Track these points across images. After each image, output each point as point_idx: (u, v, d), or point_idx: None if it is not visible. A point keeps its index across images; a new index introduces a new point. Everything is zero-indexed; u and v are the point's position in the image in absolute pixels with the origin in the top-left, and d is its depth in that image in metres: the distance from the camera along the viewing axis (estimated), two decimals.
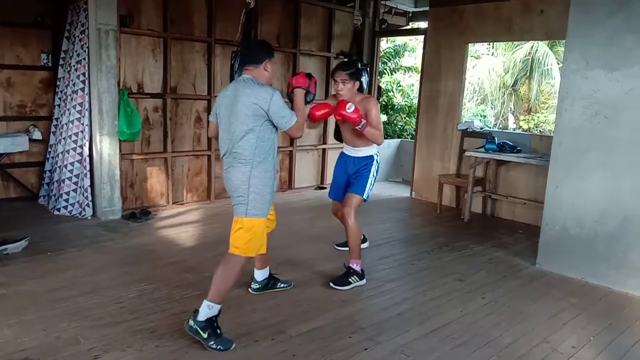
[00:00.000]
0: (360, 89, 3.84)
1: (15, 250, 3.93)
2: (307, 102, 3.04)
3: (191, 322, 2.73)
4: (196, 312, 2.74)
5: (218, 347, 2.69)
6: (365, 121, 3.47)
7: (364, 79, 5.74)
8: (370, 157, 3.81)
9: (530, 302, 3.59)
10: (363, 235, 3.79)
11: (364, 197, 3.72)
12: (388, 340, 2.91)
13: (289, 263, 4.05)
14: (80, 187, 5.06)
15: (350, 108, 3.38)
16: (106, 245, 4.34)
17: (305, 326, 3.02)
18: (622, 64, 3.74)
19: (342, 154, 3.97)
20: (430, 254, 4.55)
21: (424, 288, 3.74)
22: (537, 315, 3.37)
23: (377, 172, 3.82)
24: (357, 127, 3.49)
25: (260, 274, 3.46)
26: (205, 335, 2.69)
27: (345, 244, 4.19)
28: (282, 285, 3.54)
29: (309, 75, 3.05)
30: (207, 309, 2.72)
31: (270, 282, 3.50)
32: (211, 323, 2.72)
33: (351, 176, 3.82)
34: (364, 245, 4.11)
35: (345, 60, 3.88)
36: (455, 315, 3.29)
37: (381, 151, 8.00)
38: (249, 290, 3.45)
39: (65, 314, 3.03)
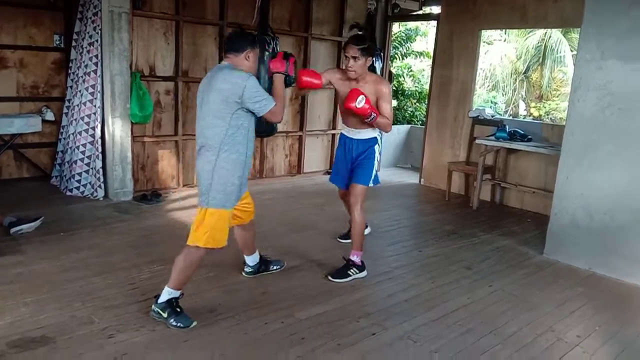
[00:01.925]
0: (372, 68, 3.64)
1: (29, 230, 4.01)
2: (287, 86, 3.00)
3: (153, 306, 2.81)
4: (157, 297, 2.83)
5: (178, 324, 2.76)
6: (375, 114, 3.32)
7: (378, 64, 5.73)
8: (373, 140, 3.64)
9: (537, 291, 3.62)
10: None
11: (370, 184, 3.63)
12: (395, 326, 2.95)
13: (298, 248, 4.10)
14: (92, 169, 5.12)
15: (360, 102, 3.23)
16: (118, 226, 4.40)
17: (314, 310, 3.08)
18: (638, 56, 3.70)
19: (342, 136, 3.77)
20: (438, 241, 4.58)
21: (432, 275, 3.77)
22: (543, 304, 3.40)
23: (380, 154, 3.69)
24: (366, 120, 3.36)
25: (251, 259, 3.47)
26: (165, 315, 2.77)
27: (346, 236, 4.18)
28: (274, 267, 3.57)
29: (286, 57, 2.96)
30: (167, 295, 2.80)
31: (262, 265, 3.52)
32: (170, 303, 2.79)
33: (354, 161, 3.66)
34: (366, 231, 3.92)
35: (359, 33, 3.57)
36: (462, 303, 3.33)
37: (390, 137, 8.08)
38: (243, 273, 3.48)
39: (80, 294, 3.10)
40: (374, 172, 3.65)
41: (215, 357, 2.55)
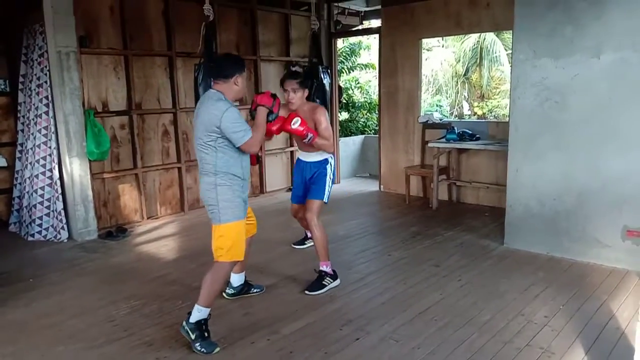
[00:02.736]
0: (309, 97, 3.88)
1: None
2: (269, 121, 3.10)
3: (184, 324, 2.88)
4: (189, 314, 2.89)
5: (202, 349, 2.83)
6: (312, 134, 3.51)
7: (326, 80, 5.91)
8: (325, 161, 3.85)
9: (503, 279, 3.85)
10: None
11: (323, 200, 3.78)
12: (377, 329, 3.08)
13: (270, 266, 4.18)
14: (53, 211, 5.03)
15: (295, 123, 3.41)
16: (87, 266, 4.35)
17: (297, 324, 3.17)
18: (565, 52, 4.04)
19: (298, 160, 4.02)
20: (404, 243, 4.76)
21: (403, 277, 3.93)
22: (510, 291, 3.62)
23: (333, 173, 3.89)
24: (304, 141, 3.57)
25: (237, 279, 3.55)
26: (193, 337, 2.85)
27: (301, 242, 4.62)
28: (255, 290, 3.64)
29: (273, 96, 3.09)
30: (197, 312, 2.86)
31: (245, 287, 3.60)
32: (200, 326, 2.86)
33: (308, 181, 3.88)
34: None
35: (294, 69, 4.03)
36: (435, 299, 3.50)
37: (346, 148, 8.27)
38: (224, 295, 3.51)
39: (60, 338, 3.07)
40: (328, 188, 3.81)
41: None
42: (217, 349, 2.86)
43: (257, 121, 3.02)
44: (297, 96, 3.67)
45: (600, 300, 3.44)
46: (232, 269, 3.11)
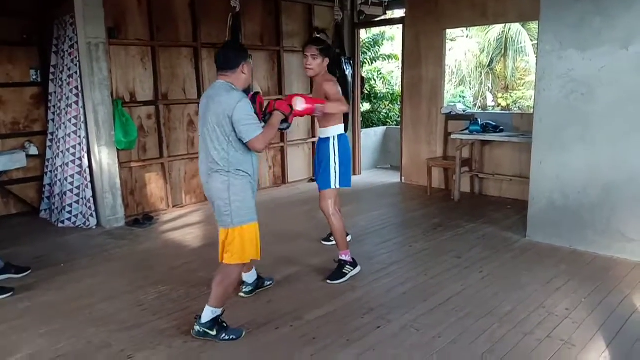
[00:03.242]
0: (335, 68, 3.75)
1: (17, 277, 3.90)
2: (280, 129, 3.06)
3: (197, 327, 2.87)
4: (199, 317, 2.89)
5: (230, 337, 2.87)
6: (320, 105, 3.40)
7: (349, 71, 5.93)
8: (327, 140, 3.72)
9: (525, 272, 3.85)
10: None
11: (332, 187, 3.70)
12: (398, 318, 3.13)
13: (293, 256, 4.26)
14: (82, 198, 5.19)
15: (297, 104, 3.22)
16: (116, 252, 4.49)
17: (320, 311, 3.24)
18: (592, 44, 3.98)
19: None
20: (426, 235, 4.78)
21: (425, 267, 3.96)
22: (532, 284, 3.62)
23: (339, 153, 3.70)
24: (315, 114, 3.49)
25: (250, 277, 3.49)
26: (214, 333, 2.85)
27: (329, 238, 4.44)
28: (267, 283, 3.59)
29: (291, 107, 3.08)
30: (210, 313, 2.86)
31: (259, 282, 3.55)
32: (217, 321, 2.87)
33: (319, 162, 3.79)
34: (347, 239, 3.97)
35: (318, 36, 3.89)
36: (456, 290, 3.53)
37: (368, 139, 8.28)
38: (241, 295, 3.46)
39: (91, 320, 3.20)
40: (334, 172, 3.69)
41: None
42: (244, 332, 2.93)
43: (270, 122, 2.94)
44: (316, 63, 3.58)
45: (624, 294, 3.42)
46: (241, 270, 3.02)
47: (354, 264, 3.80)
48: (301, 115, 3.39)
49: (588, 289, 3.51)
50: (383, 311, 3.23)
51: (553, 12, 4.16)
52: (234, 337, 2.89)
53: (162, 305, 3.38)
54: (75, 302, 3.47)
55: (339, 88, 3.67)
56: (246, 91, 2.98)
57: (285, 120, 3.04)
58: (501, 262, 4.06)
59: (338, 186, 3.72)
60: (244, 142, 2.76)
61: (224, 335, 2.87)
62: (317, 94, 3.67)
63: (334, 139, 3.70)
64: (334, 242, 4.04)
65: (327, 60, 3.65)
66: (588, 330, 2.96)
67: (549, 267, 3.93)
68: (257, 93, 3.13)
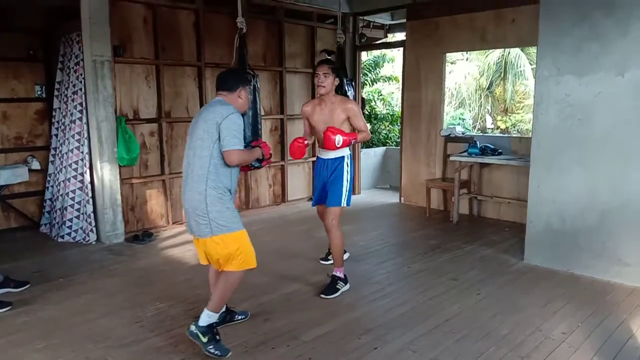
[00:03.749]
0: (339, 89, 4.05)
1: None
2: (250, 167, 3.27)
3: (192, 327, 2.90)
4: (197, 318, 2.94)
5: (216, 352, 2.88)
6: (354, 139, 3.76)
7: (350, 92, 6.02)
8: (341, 159, 3.88)
9: (522, 294, 3.86)
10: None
11: (342, 205, 3.85)
12: (395, 339, 3.14)
13: (291, 274, 4.27)
14: (82, 214, 5.21)
15: (339, 142, 3.65)
16: (115, 268, 4.50)
17: (317, 331, 3.24)
18: (589, 70, 4.06)
19: (318, 159, 4.07)
20: (424, 256, 4.80)
21: (423, 288, 3.98)
22: (529, 307, 3.63)
23: (350, 172, 3.91)
24: (349, 146, 3.80)
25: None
26: (205, 340, 2.87)
27: (327, 257, 4.53)
28: (239, 317, 3.39)
29: (267, 158, 3.22)
30: (206, 317, 2.91)
31: (228, 315, 3.33)
32: (211, 329, 2.91)
33: (327, 181, 3.92)
34: (345, 256, 4.19)
35: (328, 57, 4.34)
36: (454, 312, 3.54)
37: (367, 159, 8.34)
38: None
39: (90, 336, 3.20)
40: (345, 191, 3.85)
41: None
42: (230, 353, 2.92)
43: (250, 150, 3.04)
44: (328, 81, 3.79)
45: (620, 319, 3.43)
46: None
47: (345, 281, 3.91)
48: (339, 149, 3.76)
49: (585, 312, 3.53)
50: (381, 332, 3.23)
51: (551, 37, 4.25)
52: (220, 353, 2.89)
53: (160, 322, 3.38)
54: (73, 317, 3.48)
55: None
56: (255, 134, 3.16)
57: (259, 161, 3.20)
58: (499, 284, 4.08)
59: (346, 204, 3.88)
60: (222, 149, 2.80)
61: (212, 347, 2.88)
62: (331, 114, 3.84)
63: (347, 158, 3.91)
64: (332, 262, 4.12)
65: (337, 80, 3.88)
66: (584, 355, 2.96)
67: (546, 290, 3.94)
68: (264, 142, 3.28)
